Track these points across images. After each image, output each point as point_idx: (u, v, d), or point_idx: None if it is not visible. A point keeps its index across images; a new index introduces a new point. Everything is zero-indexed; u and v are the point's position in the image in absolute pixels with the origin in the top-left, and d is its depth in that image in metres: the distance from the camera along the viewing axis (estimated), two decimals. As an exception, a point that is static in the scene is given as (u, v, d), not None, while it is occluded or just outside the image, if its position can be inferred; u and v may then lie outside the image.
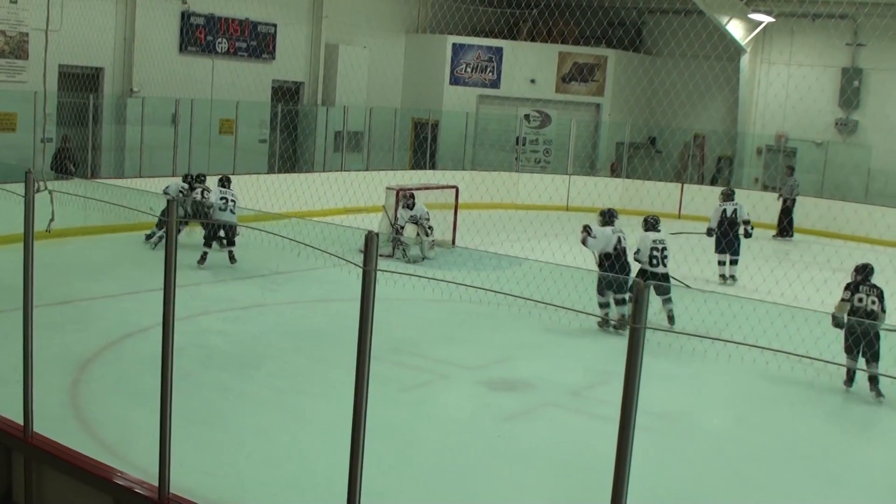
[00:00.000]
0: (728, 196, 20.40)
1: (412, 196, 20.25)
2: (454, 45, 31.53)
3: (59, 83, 21.69)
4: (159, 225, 18.51)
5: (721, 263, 19.84)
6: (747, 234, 19.88)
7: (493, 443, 10.26)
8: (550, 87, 32.47)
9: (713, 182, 31.84)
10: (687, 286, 14.25)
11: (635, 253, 15.64)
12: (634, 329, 4.64)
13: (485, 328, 14.77)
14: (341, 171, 26.28)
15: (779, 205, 26.71)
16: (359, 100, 28.84)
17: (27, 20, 21.45)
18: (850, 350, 12.45)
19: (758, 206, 24.48)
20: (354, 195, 23.20)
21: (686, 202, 28.53)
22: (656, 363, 11.98)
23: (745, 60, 31.83)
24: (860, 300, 12.55)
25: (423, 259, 19.76)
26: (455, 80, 31.63)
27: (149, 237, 19.16)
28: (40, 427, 7.53)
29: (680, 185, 29.77)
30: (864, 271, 12.81)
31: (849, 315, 12.49)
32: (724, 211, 19.97)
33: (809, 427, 11.73)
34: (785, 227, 26.08)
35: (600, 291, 15.25)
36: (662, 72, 30.22)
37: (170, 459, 6.43)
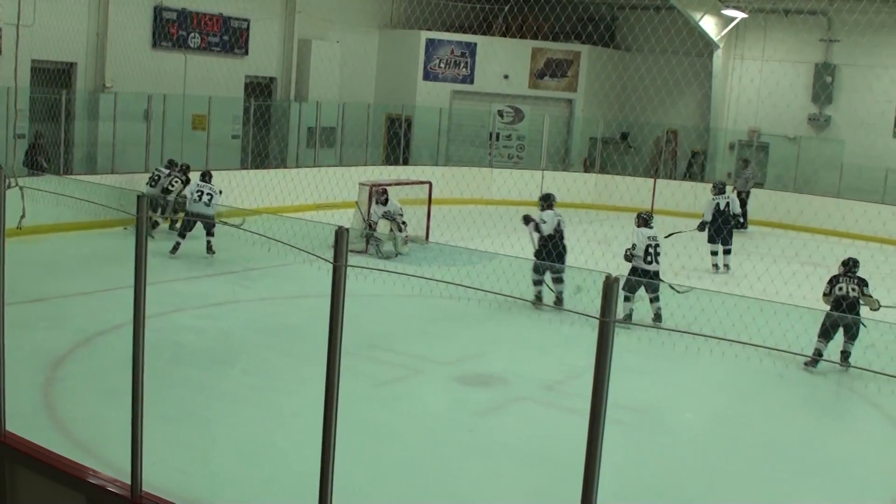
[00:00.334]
0: (720, 190, 21.29)
1: (385, 192, 20.24)
2: (427, 40, 31.51)
3: (31, 78, 21.56)
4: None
5: (714, 254, 20.68)
6: (740, 225, 20.42)
7: (466, 437, 10.30)
8: (523, 83, 32.51)
9: (685, 177, 31.98)
10: (675, 290, 14.35)
11: (630, 249, 15.48)
12: (604, 323, 4.67)
13: (458, 323, 14.80)
14: (314, 166, 26.21)
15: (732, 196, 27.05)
16: (332, 95, 28.79)
17: (-1, 15, 21.34)
18: (826, 334, 13.31)
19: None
20: (327, 191, 23.15)
21: (658, 197, 28.60)
22: (629, 358, 12.05)
23: (717, 56, 31.94)
24: (840, 289, 13.48)
25: (397, 255, 19.77)
26: (428, 76, 31.63)
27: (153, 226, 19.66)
28: (13, 426, 7.50)
29: (652, 179, 29.82)
30: (848, 264, 13.78)
31: (831, 304, 13.48)
32: (718, 204, 20.79)
33: (781, 419, 11.80)
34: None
35: (536, 270, 15.91)
36: (633, 67, 30.30)
37: (142, 457, 6.42)
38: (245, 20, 26.98)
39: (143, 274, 6.35)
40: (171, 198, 20.51)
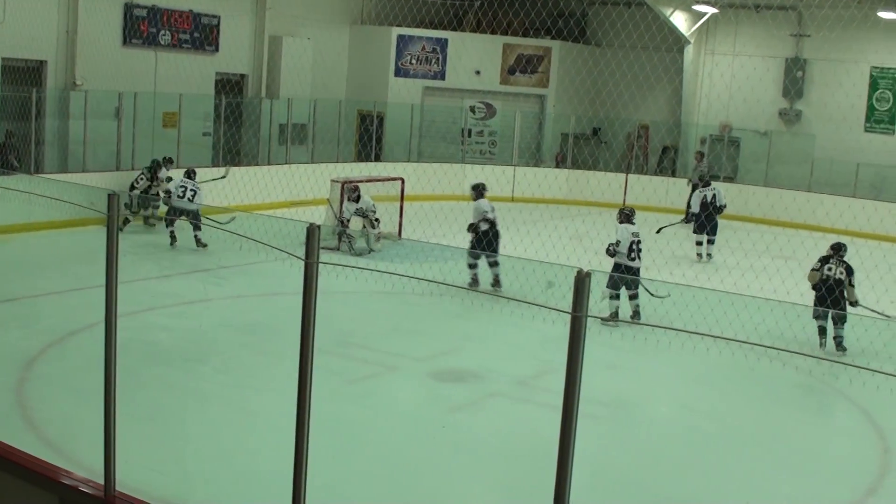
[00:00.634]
0: (706, 183, 22.35)
1: (357, 189, 20.20)
2: (398, 36, 31.48)
3: (1, 77, 21.46)
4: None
5: (699, 243, 21.57)
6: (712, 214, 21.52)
7: (439, 433, 10.31)
8: (495, 79, 32.54)
9: (657, 172, 32.10)
10: (654, 296, 14.46)
11: (614, 245, 15.23)
12: (576, 318, 4.68)
13: (431, 319, 14.81)
14: (286, 164, 26.16)
15: (688, 190, 27.35)
16: (303, 92, 28.71)
17: (-32, 14, 21.21)
18: (820, 316, 14.17)
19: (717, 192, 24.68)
20: (299, 188, 23.10)
21: (630, 192, 28.67)
22: (602, 352, 12.10)
23: (689, 51, 32.06)
24: (829, 269, 14.31)
25: (370, 251, 19.75)
26: (400, 72, 31.59)
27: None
28: (-16, 426, 7.48)
29: (624, 174, 29.90)
30: (837, 248, 14.59)
31: (818, 283, 14.32)
32: (705, 196, 21.70)
33: (754, 412, 11.87)
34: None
35: (474, 256, 16.65)
36: (604, 63, 30.33)
37: (115, 457, 6.40)
38: (215, 17, 26.87)
39: (115, 273, 6.33)
40: (134, 194, 20.59)
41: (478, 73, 32.13)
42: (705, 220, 21.40)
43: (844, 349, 13.78)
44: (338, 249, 19.43)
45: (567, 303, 4.67)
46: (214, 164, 25.50)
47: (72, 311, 13.84)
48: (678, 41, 31.58)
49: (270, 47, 28.61)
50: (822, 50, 29.89)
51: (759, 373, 11.68)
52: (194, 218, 18.94)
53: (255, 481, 8.60)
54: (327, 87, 30.25)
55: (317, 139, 28.46)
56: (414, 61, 31.65)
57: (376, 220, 20.17)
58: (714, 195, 21.66)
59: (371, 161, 29.17)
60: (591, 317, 4.71)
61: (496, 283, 16.42)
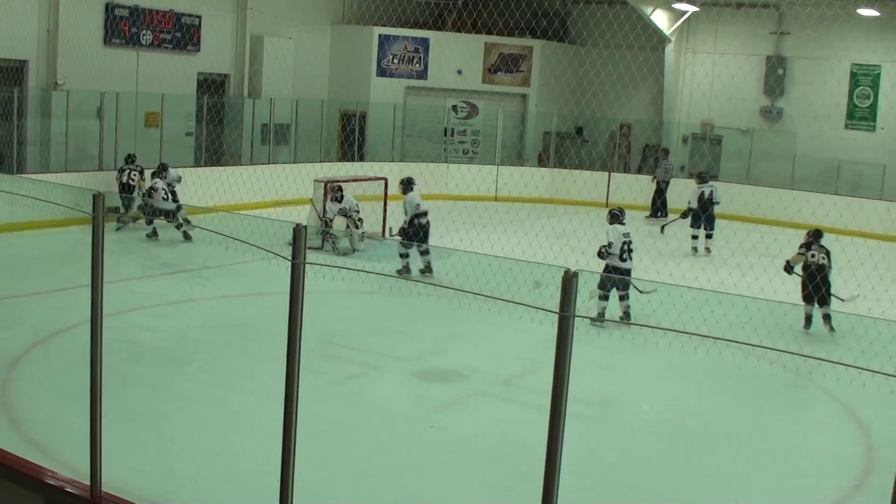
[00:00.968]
0: (704, 179, 22.88)
1: (340, 189, 20.16)
2: (380, 36, 31.48)
3: (-19, 77, 21.43)
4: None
5: (695, 238, 22.23)
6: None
7: (425, 433, 10.30)
8: (477, 78, 32.56)
9: (640, 170, 32.16)
10: (641, 291, 14.46)
11: (606, 247, 15.02)
12: (563, 318, 4.68)
13: (416, 319, 14.79)
14: (269, 164, 26.12)
15: (653, 186, 27.67)
16: (285, 92, 28.66)
17: (-52, 13, 21.13)
18: (809, 299, 14.96)
19: (683, 192, 24.74)
20: (282, 188, 23.06)
21: (614, 190, 28.71)
22: (588, 351, 12.10)
23: (669, 50, 32.13)
24: (812, 255, 15.18)
25: (354, 251, 19.73)
26: (382, 72, 31.58)
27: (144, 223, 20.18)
28: (-32, 427, 7.45)
29: (607, 173, 29.94)
30: (817, 235, 15.58)
31: (803, 268, 15.23)
32: (703, 192, 22.33)
33: (739, 410, 11.88)
34: (658, 208, 27.29)
35: (406, 246, 17.67)
36: (588, 62, 30.33)
37: (101, 457, 6.38)
38: (197, 16, 26.80)
39: (101, 273, 6.31)
40: (135, 194, 20.53)
41: (460, 72, 32.13)
42: (703, 215, 22.07)
43: (833, 329, 14.72)
44: (322, 249, 19.40)
45: (554, 303, 4.67)
46: (196, 164, 25.45)
47: (55, 312, 13.78)
48: (660, 40, 31.66)
49: (252, 47, 28.57)
50: (802, 48, 30.00)
51: (746, 371, 11.69)
52: (173, 217, 19.30)
53: (241, 481, 8.58)
54: (309, 87, 30.21)
55: (300, 139, 28.44)
56: (396, 61, 31.64)
57: (360, 219, 20.14)
58: (712, 192, 22.34)
59: (354, 161, 29.15)
60: (579, 317, 4.71)
61: (427, 269, 17.33)
